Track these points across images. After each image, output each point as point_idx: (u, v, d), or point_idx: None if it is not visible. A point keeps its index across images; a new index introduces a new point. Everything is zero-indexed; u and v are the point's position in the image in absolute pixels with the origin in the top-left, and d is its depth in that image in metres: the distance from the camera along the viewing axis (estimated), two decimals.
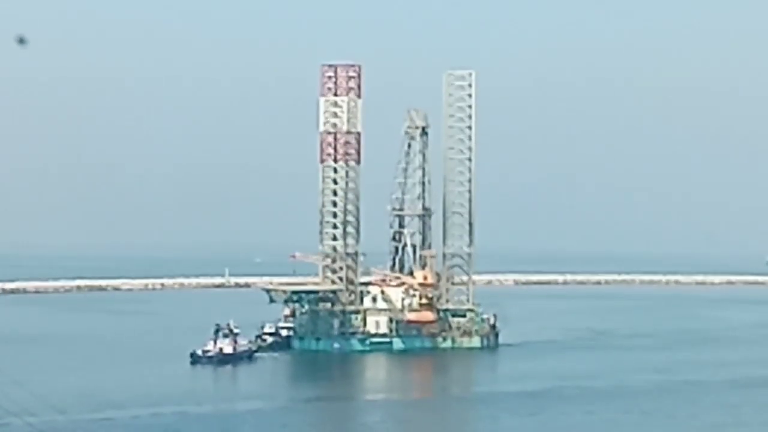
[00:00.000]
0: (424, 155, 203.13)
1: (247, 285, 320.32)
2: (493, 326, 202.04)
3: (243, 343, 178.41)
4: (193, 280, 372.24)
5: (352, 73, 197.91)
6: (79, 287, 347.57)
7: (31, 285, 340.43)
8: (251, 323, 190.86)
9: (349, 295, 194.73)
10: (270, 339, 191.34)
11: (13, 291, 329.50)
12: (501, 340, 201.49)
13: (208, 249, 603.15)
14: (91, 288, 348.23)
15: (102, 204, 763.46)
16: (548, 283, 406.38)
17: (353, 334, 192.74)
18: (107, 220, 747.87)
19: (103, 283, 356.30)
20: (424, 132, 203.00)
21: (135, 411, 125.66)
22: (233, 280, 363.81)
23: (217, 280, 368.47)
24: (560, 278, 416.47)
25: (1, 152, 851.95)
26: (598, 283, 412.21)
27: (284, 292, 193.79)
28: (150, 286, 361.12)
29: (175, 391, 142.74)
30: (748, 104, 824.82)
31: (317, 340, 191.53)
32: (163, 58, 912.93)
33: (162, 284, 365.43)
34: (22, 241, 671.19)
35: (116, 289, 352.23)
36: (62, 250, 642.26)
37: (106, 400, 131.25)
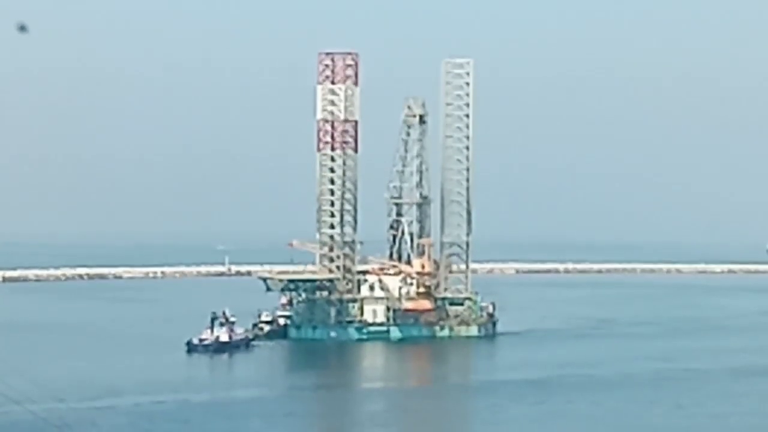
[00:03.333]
0: (422, 143, 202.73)
1: (248, 273, 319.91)
2: (491, 315, 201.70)
3: (239, 332, 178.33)
4: (194, 269, 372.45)
5: (349, 61, 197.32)
6: (80, 275, 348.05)
7: (32, 273, 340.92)
8: (250, 312, 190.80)
9: (347, 284, 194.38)
10: (267, 327, 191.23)
11: (14, 279, 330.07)
12: (499, 328, 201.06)
13: (206, 237, 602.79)
14: (92, 276, 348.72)
15: (102, 192, 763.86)
16: (549, 271, 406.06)
17: (350, 322, 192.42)
18: (107, 208, 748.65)
19: (104, 271, 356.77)
20: (422, 120, 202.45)
21: (135, 399, 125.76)
22: (234, 268, 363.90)
23: (218, 269, 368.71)
24: (561, 267, 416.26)
25: (2, 141, 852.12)
26: (600, 271, 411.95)
27: (281, 280, 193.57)
28: (151, 275, 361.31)
29: (173, 379, 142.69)
30: (749, 93, 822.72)
31: (314, 329, 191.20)
32: (159, 48, 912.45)
33: (163, 272, 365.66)
34: (23, 230, 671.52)
35: (117, 277, 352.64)
36: (63, 238, 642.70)
37: (106, 388, 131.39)
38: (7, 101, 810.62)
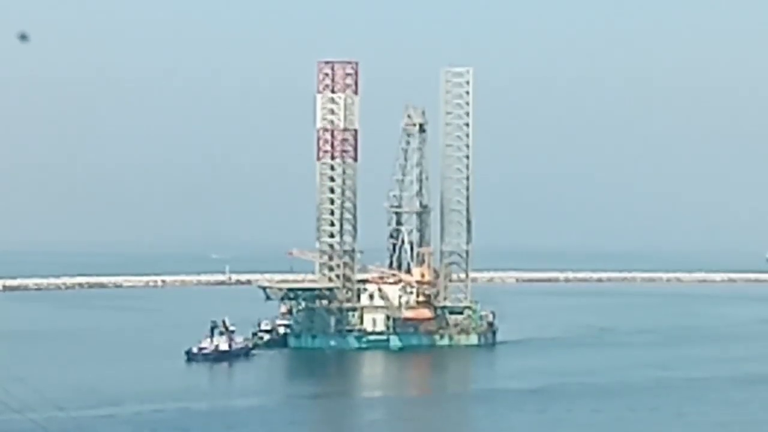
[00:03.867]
0: (421, 152, 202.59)
1: (248, 282, 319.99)
2: (491, 323, 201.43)
3: (239, 341, 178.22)
4: (194, 277, 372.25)
5: (349, 70, 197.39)
6: (80, 284, 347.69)
7: (32, 282, 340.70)
8: (250, 320, 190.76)
9: (346, 293, 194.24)
10: (266, 336, 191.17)
11: (14, 287, 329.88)
12: (499, 337, 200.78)
13: (206, 247, 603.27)
14: (92, 285, 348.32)
15: (102, 201, 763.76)
16: (550, 280, 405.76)
17: (350, 331, 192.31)
18: (106, 216, 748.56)
19: (104, 279, 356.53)
20: (421, 129, 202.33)
21: (135, 407, 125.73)
22: (234, 277, 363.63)
23: (219, 278, 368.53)
24: (561, 276, 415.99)
25: (2, 150, 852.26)
26: (600, 280, 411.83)
27: (280, 289, 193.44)
28: (151, 283, 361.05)
29: (173, 388, 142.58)
30: (749, 101, 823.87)
31: (314, 338, 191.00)
32: (159, 56, 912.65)
33: (163, 281, 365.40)
34: (23, 238, 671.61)
35: (117, 285, 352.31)
36: (63, 246, 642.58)
37: (106, 397, 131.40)
38: (7, 108, 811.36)
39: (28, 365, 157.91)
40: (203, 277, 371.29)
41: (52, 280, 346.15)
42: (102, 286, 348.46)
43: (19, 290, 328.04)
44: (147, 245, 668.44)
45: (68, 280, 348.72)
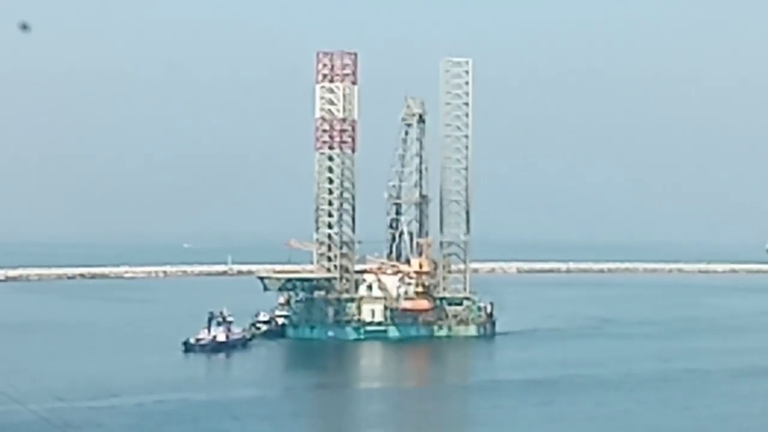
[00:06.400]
0: (421, 143, 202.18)
1: (249, 272, 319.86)
2: (490, 315, 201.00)
3: (237, 332, 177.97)
4: (196, 268, 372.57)
5: (348, 60, 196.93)
6: (81, 275, 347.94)
7: (33, 272, 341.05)
8: (249, 311, 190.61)
9: (345, 283, 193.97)
10: (264, 327, 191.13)
11: (15, 278, 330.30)
12: (498, 328, 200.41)
13: (206, 238, 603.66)
14: (93, 276, 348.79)
15: (103, 192, 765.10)
16: (551, 271, 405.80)
17: (348, 322, 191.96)
18: (108, 207, 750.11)
19: (105, 270, 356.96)
20: (421, 119, 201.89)
21: (136, 399, 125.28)
22: (236, 267, 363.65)
23: (220, 268, 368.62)
24: (563, 266, 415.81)
25: (3, 141, 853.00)
26: (602, 271, 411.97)
27: (278, 279, 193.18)
28: (153, 274, 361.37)
29: (171, 379, 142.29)
30: (748, 94, 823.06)
31: (312, 329, 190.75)
32: (158, 48, 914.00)
33: (165, 272, 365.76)
34: (25, 229, 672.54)
35: (119, 276, 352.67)
36: (65, 237, 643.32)
37: (107, 388, 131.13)
38: (8, 101, 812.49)
39: (28, 356, 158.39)
40: (205, 268, 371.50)
41: (54, 271, 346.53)
42: (104, 276, 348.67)
43: (21, 281, 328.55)
44: (144, 236, 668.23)
45: (70, 271, 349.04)
